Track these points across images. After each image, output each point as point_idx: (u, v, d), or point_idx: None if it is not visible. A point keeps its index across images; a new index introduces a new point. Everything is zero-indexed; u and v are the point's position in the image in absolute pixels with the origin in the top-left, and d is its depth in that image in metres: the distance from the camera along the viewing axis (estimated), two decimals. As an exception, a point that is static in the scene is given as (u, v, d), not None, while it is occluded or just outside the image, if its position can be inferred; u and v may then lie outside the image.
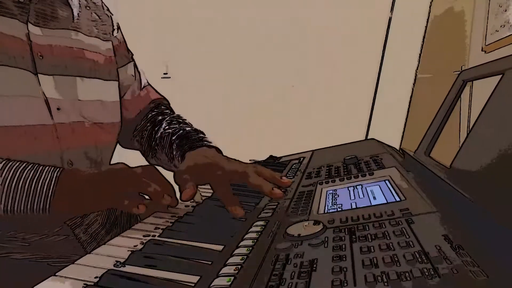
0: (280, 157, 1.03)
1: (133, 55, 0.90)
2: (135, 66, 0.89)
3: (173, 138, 0.79)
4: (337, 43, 2.08)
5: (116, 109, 0.79)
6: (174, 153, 0.77)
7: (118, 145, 0.85)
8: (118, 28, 0.86)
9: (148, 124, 0.86)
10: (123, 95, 0.84)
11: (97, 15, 0.79)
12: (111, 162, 0.80)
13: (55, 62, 0.66)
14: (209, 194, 0.71)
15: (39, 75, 0.63)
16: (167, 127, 0.83)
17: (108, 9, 0.84)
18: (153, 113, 0.89)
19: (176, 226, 0.56)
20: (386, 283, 0.33)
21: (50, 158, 0.64)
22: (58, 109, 0.65)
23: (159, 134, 0.82)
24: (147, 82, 0.92)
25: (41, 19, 0.65)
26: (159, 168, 0.85)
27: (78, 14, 0.73)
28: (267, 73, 2.21)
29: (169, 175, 0.69)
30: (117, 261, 0.45)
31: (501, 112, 0.48)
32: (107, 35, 0.80)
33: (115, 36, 0.84)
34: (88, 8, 0.77)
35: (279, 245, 0.45)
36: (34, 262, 0.62)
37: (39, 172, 0.55)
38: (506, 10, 1.42)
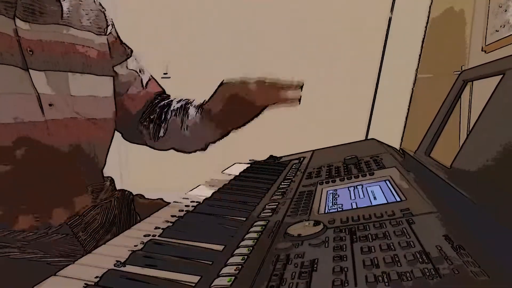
0: (280, 157, 1.03)
1: (132, 51, 0.89)
2: (137, 60, 0.90)
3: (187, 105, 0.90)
4: (337, 43, 2.08)
5: (109, 105, 0.78)
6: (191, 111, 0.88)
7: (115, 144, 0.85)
8: (113, 25, 0.84)
9: (157, 109, 0.90)
10: (127, 90, 0.85)
11: (89, 9, 0.78)
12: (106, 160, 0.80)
13: (46, 58, 0.65)
14: (209, 194, 0.71)
15: (30, 70, 0.62)
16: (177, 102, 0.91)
17: (100, 4, 0.83)
18: (157, 101, 0.92)
19: (177, 226, 0.56)
20: (387, 283, 0.33)
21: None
22: (50, 105, 0.64)
23: (173, 105, 0.90)
24: (151, 75, 0.93)
25: (30, 14, 0.64)
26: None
27: (68, 8, 0.72)
28: (267, 73, 2.20)
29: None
30: (117, 261, 0.45)
31: (502, 112, 0.48)
32: (101, 29, 0.79)
33: (110, 33, 0.82)
34: (80, 2, 0.76)
35: (279, 245, 0.45)
36: (34, 262, 0.62)
37: None
38: (506, 10, 1.42)
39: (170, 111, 0.90)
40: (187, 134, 0.88)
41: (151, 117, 0.89)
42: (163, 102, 0.92)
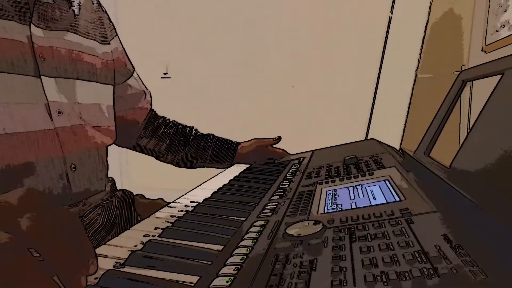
0: (280, 157, 1.03)
1: (134, 69, 0.93)
2: (138, 77, 0.94)
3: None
4: (337, 43, 2.08)
5: (111, 114, 0.79)
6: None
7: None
8: (117, 36, 0.86)
9: (156, 125, 0.97)
10: (137, 104, 0.92)
11: (96, 18, 0.79)
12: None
13: (56, 64, 0.65)
14: (209, 194, 0.71)
15: (42, 77, 0.62)
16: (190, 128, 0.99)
17: (105, 12, 0.84)
18: (152, 114, 0.97)
19: (176, 226, 0.56)
20: (385, 283, 0.33)
21: (53, 163, 0.63)
22: (59, 112, 0.65)
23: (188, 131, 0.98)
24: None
25: (42, 20, 0.64)
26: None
27: (77, 15, 0.72)
28: (267, 73, 2.21)
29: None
30: (116, 262, 0.45)
31: (501, 112, 0.48)
32: (104, 38, 0.80)
33: (116, 48, 0.85)
34: (88, 10, 0.77)
35: (278, 245, 0.45)
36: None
37: None
38: (506, 10, 1.42)
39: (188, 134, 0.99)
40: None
41: (157, 131, 0.96)
42: (158, 119, 0.99)
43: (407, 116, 1.77)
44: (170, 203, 0.69)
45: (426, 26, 1.76)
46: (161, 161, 0.99)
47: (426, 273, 0.32)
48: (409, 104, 1.79)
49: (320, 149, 1.07)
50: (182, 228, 0.55)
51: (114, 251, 0.48)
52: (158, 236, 0.53)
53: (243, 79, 2.24)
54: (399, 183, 0.59)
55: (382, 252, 0.38)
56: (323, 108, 2.13)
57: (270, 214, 0.58)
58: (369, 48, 2.00)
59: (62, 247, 0.33)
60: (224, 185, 0.79)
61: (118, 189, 0.84)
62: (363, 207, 0.52)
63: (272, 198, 0.66)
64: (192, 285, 0.40)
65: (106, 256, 0.47)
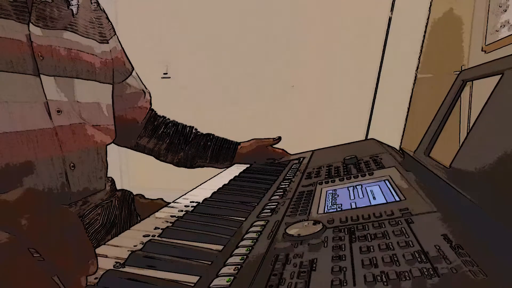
0: (280, 157, 1.03)
1: (133, 68, 0.93)
2: (137, 76, 0.94)
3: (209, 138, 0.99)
4: (337, 43, 2.08)
5: (110, 113, 0.79)
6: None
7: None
8: (116, 35, 0.87)
9: (156, 124, 0.97)
10: (137, 103, 0.92)
11: (94, 17, 0.79)
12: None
13: (55, 63, 0.66)
14: (209, 194, 0.71)
15: (41, 76, 0.63)
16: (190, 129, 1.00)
17: (104, 11, 0.84)
18: (152, 113, 0.97)
19: (176, 226, 0.56)
20: (385, 283, 0.33)
21: (52, 162, 0.63)
22: (58, 111, 0.65)
23: (188, 130, 0.99)
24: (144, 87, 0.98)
25: (41, 19, 0.65)
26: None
27: (75, 14, 0.72)
28: (267, 73, 2.21)
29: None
30: (116, 262, 0.45)
31: (501, 112, 0.48)
32: (103, 37, 0.80)
33: (115, 46, 0.85)
34: (86, 9, 0.77)
35: (278, 245, 0.45)
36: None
37: None
38: (506, 10, 1.42)
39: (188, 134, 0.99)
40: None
41: (157, 131, 0.97)
42: (158, 119, 0.99)
43: (407, 116, 1.78)
44: (170, 203, 0.69)
45: (426, 26, 1.76)
46: (161, 160, 0.99)
47: (426, 273, 0.32)
48: (409, 104, 1.79)
49: (320, 149, 1.07)
50: (182, 228, 0.55)
51: (114, 251, 0.48)
52: (158, 236, 0.53)
53: (243, 79, 2.24)
54: (399, 183, 0.59)
55: (382, 252, 0.38)
56: (323, 108, 2.13)
57: (270, 214, 0.58)
58: (369, 48, 2.00)
59: (62, 247, 0.33)
60: (224, 185, 0.79)
61: (118, 189, 0.84)
62: (363, 207, 0.52)
63: (272, 198, 0.66)
64: (192, 285, 0.40)
65: (106, 256, 0.47)
